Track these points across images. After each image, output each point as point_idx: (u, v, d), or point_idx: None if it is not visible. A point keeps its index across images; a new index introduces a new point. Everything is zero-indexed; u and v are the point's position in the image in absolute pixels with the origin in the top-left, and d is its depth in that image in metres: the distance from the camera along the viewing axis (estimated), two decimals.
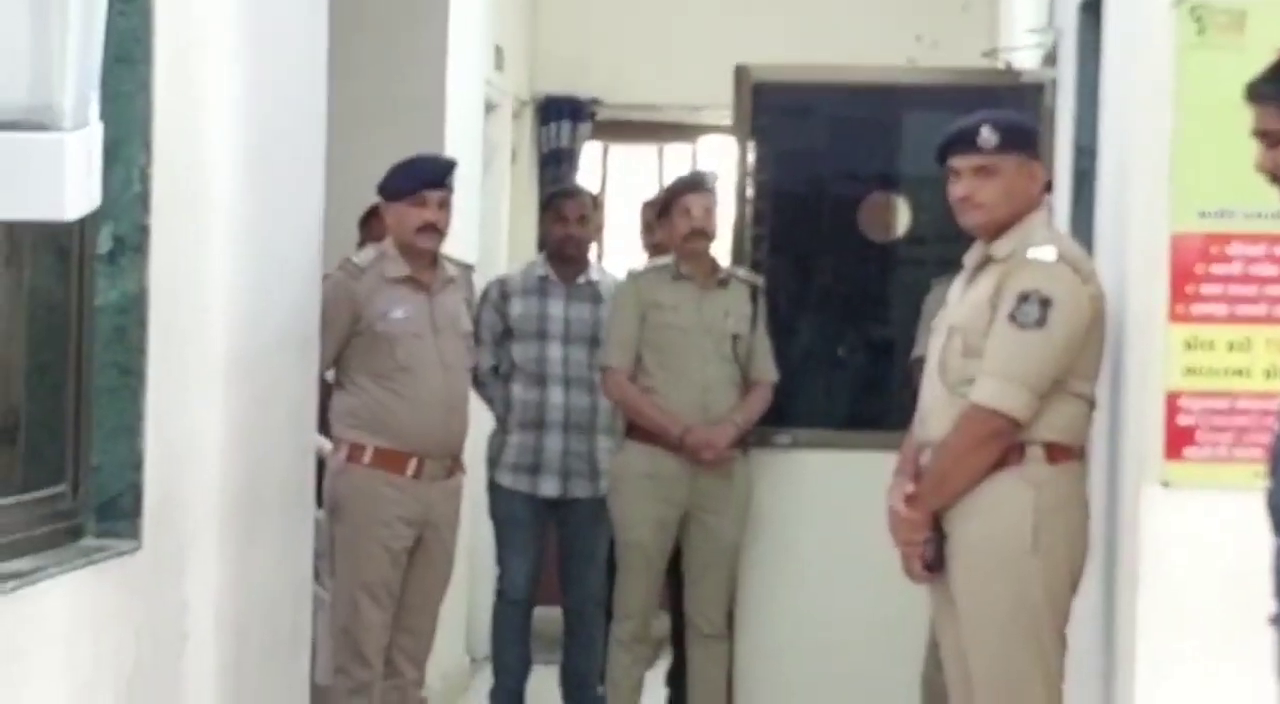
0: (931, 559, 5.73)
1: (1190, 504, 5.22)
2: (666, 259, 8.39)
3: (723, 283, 8.29)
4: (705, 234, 8.27)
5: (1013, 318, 5.63)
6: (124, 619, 5.18)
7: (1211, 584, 5.05)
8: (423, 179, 7.46)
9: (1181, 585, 5.19)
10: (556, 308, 8.62)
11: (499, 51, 11.22)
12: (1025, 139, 5.89)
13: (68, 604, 4.80)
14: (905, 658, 8.15)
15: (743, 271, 8.53)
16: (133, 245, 5.34)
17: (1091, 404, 5.74)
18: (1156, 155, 5.30)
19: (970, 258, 5.91)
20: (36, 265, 5.02)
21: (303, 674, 7.08)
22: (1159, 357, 5.28)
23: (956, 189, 5.83)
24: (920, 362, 8.00)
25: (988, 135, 5.77)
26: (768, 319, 8.42)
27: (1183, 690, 5.17)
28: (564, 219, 8.78)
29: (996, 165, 5.77)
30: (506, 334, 8.62)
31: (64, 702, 4.75)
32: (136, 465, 5.32)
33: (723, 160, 10.66)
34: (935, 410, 5.78)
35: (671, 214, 8.35)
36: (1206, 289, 5.25)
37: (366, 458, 7.35)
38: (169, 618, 5.58)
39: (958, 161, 5.81)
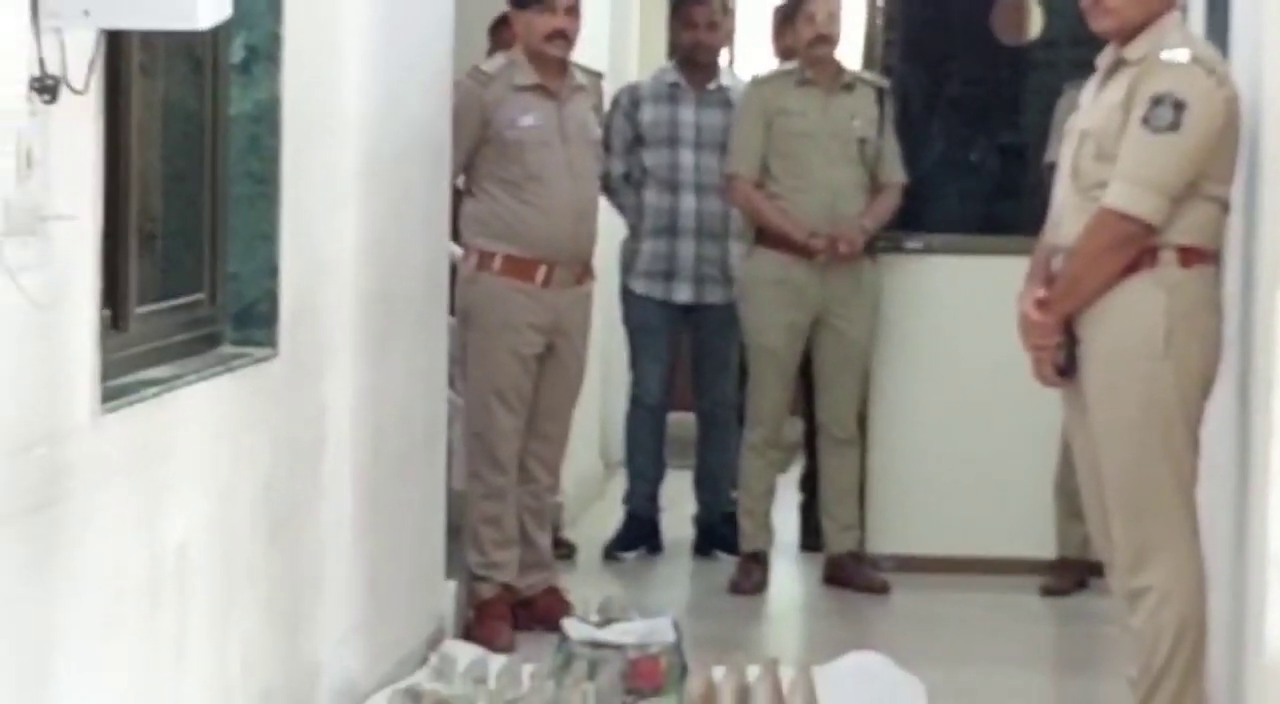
0: (1063, 364, 5.73)
1: None
2: (791, 64, 8.38)
3: (848, 87, 8.28)
4: (829, 39, 8.27)
5: (1146, 121, 5.60)
6: (262, 425, 5.26)
7: None
8: None
9: None
10: (687, 114, 8.62)
11: None
12: None
13: (207, 410, 4.88)
14: (1038, 463, 8.19)
15: (869, 74, 8.53)
16: (265, 54, 5.37)
17: (1226, 207, 5.71)
18: None
19: (1103, 60, 5.86)
20: (171, 76, 5.06)
21: (439, 478, 7.17)
22: None
23: None
24: (1052, 166, 7.97)
25: None
26: (898, 123, 8.41)
27: None
28: (694, 25, 8.75)
29: None
30: (637, 141, 8.62)
31: (204, 505, 4.84)
32: (272, 273, 5.38)
33: None
34: (1067, 215, 5.77)
35: (796, 20, 8.37)
36: None
37: (496, 265, 7.39)
38: (306, 423, 5.66)
39: None
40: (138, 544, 4.44)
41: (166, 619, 4.61)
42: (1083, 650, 7.41)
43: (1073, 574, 8.23)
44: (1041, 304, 5.75)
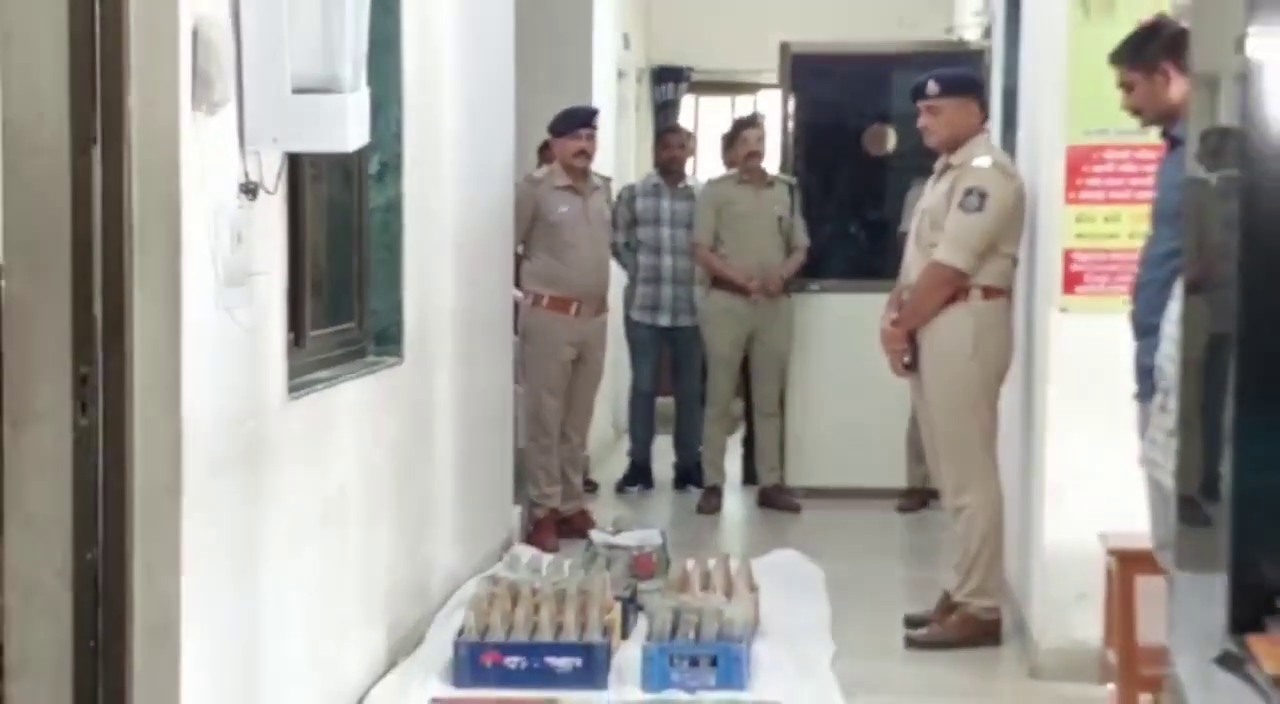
0: (909, 362, 5.74)
1: (1081, 323, 5.19)
2: (734, 171, 8.38)
3: (770, 184, 8.27)
4: (758, 155, 8.27)
5: (961, 205, 5.61)
6: (393, 408, 5.25)
7: (1096, 376, 5.03)
8: (577, 121, 7.45)
9: (1075, 377, 5.18)
10: (666, 204, 8.59)
11: (626, 37, 11.13)
12: (961, 86, 5.82)
13: (357, 398, 4.88)
14: (894, 425, 8.18)
15: (784, 175, 8.54)
16: (392, 167, 5.37)
17: (1015, 261, 5.71)
18: (1057, 95, 5.24)
19: (937, 165, 5.87)
20: (331, 181, 5.07)
21: (508, 440, 7.16)
22: (1058, 226, 5.25)
23: (920, 121, 5.80)
24: (904, 234, 7.98)
25: (933, 86, 5.75)
26: (803, 207, 8.41)
27: (1078, 446, 5.17)
28: (669, 146, 8.73)
29: (941, 106, 5.73)
30: (634, 222, 8.60)
31: (355, 460, 4.84)
32: (398, 308, 5.38)
33: (772, 105, 10.57)
34: (913, 265, 5.77)
35: (736, 142, 8.36)
36: (1090, 181, 5.20)
37: (545, 303, 7.38)
38: (422, 407, 5.66)
39: (919, 103, 5.78)
40: (313, 485, 4.43)
41: (332, 535, 4.61)
42: (925, 547, 7.41)
43: (918, 498, 8.22)
44: (894, 323, 5.76)
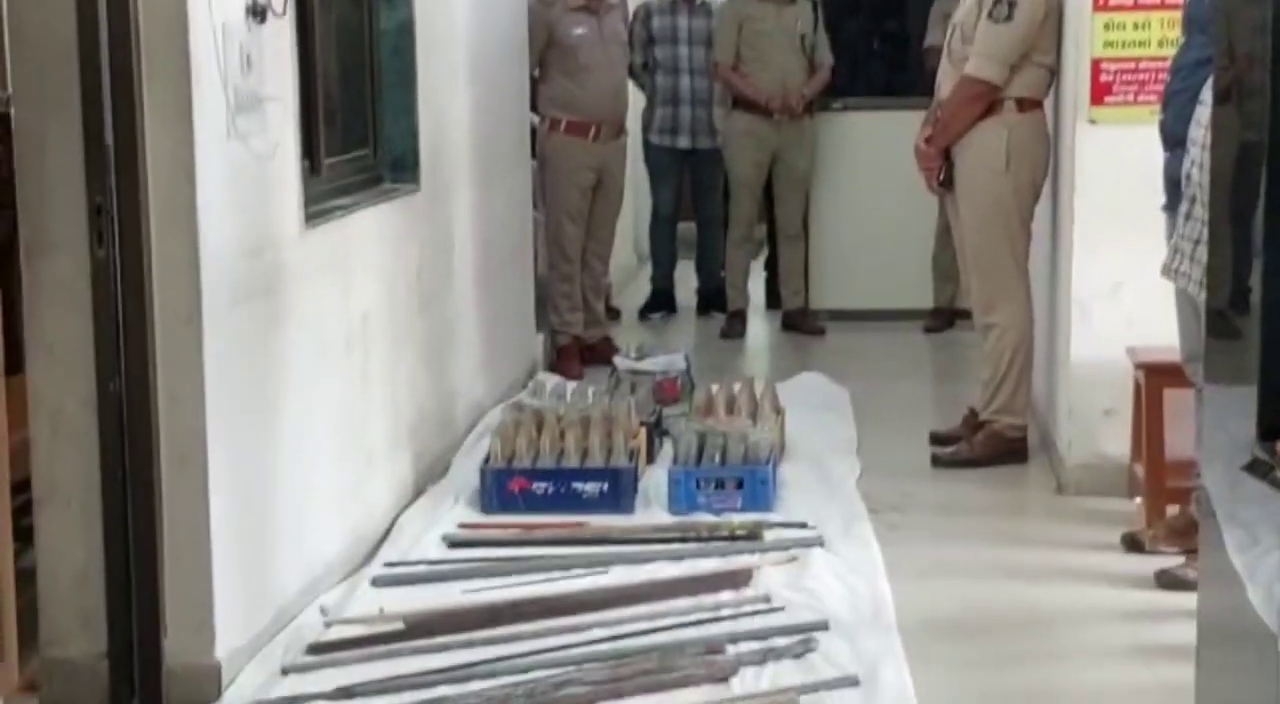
0: (943, 179, 5.71)
1: (1109, 135, 5.15)
2: None
3: (793, 1, 8.13)
4: None
5: (990, 15, 5.53)
6: (412, 235, 5.26)
7: (1124, 188, 5.00)
8: None
9: (1103, 190, 5.15)
10: (683, 22, 8.48)
11: None
12: None
13: (375, 226, 4.88)
14: (921, 245, 8.16)
15: None
16: None
17: (1052, 71, 5.64)
18: None
19: None
20: (341, 5, 5.01)
21: (529, 267, 7.18)
22: (1088, 35, 5.18)
23: None
24: (929, 49, 7.88)
25: None
26: (826, 24, 8.29)
27: (1106, 260, 5.16)
28: None
29: None
30: (650, 41, 8.51)
31: (376, 287, 4.86)
32: (414, 134, 5.35)
33: None
34: (945, 81, 5.72)
35: None
36: None
37: (562, 127, 7.32)
38: (440, 233, 5.66)
39: None
40: (334, 313, 4.46)
41: (355, 362, 4.64)
42: (952, 367, 7.43)
43: (944, 318, 8.23)
44: (928, 140, 5.73)
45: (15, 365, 3.54)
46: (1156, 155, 4.34)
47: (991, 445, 5.64)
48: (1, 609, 2.68)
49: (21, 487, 3.57)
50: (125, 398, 3.52)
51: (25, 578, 3.57)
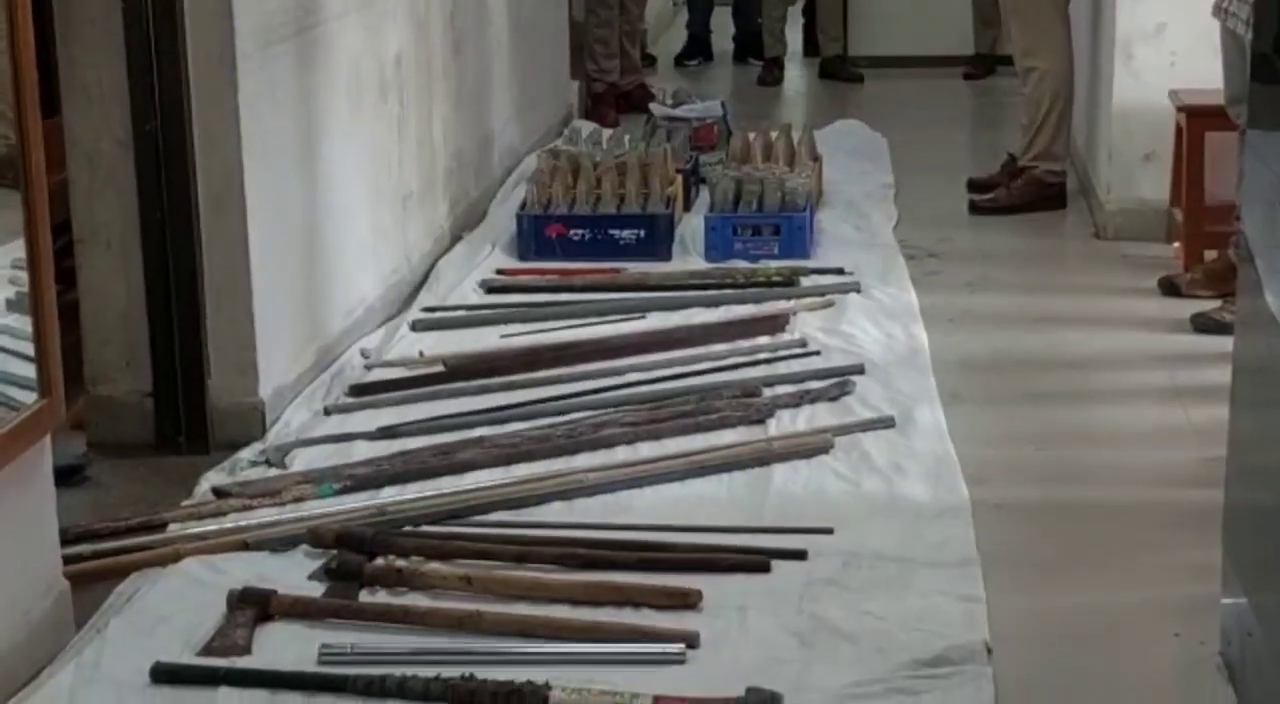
0: None
1: None
2: None
3: None
4: None
5: None
6: None
7: None
8: None
9: None
10: None
11: None
12: None
13: None
14: None
15: None
16: None
17: None
18: None
19: None
20: None
21: (564, 15, 7.04)
22: None
23: None
24: None
25: None
26: None
27: None
28: None
29: None
30: None
31: (408, 30, 4.78)
32: None
33: None
34: None
35: None
36: None
37: None
38: None
39: None
40: (368, 56, 4.41)
41: (391, 105, 4.60)
42: (992, 114, 7.36)
43: (985, 64, 8.11)
44: None
45: (52, 108, 3.52)
46: None
47: (1030, 191, 5.59)
48: (48, 346, 2.70)
49: (61, 229, 3.57)
50: (161, 139, 3.50)
51: (69, 318, 3.59)
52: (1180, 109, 4.85)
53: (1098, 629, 2.82)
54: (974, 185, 5.80)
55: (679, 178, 5.40)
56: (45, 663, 2.69)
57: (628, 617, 2.82)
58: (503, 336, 4.35)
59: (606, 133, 5.85)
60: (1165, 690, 2.69)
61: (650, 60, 8.48)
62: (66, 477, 3.21)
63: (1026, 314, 4.56)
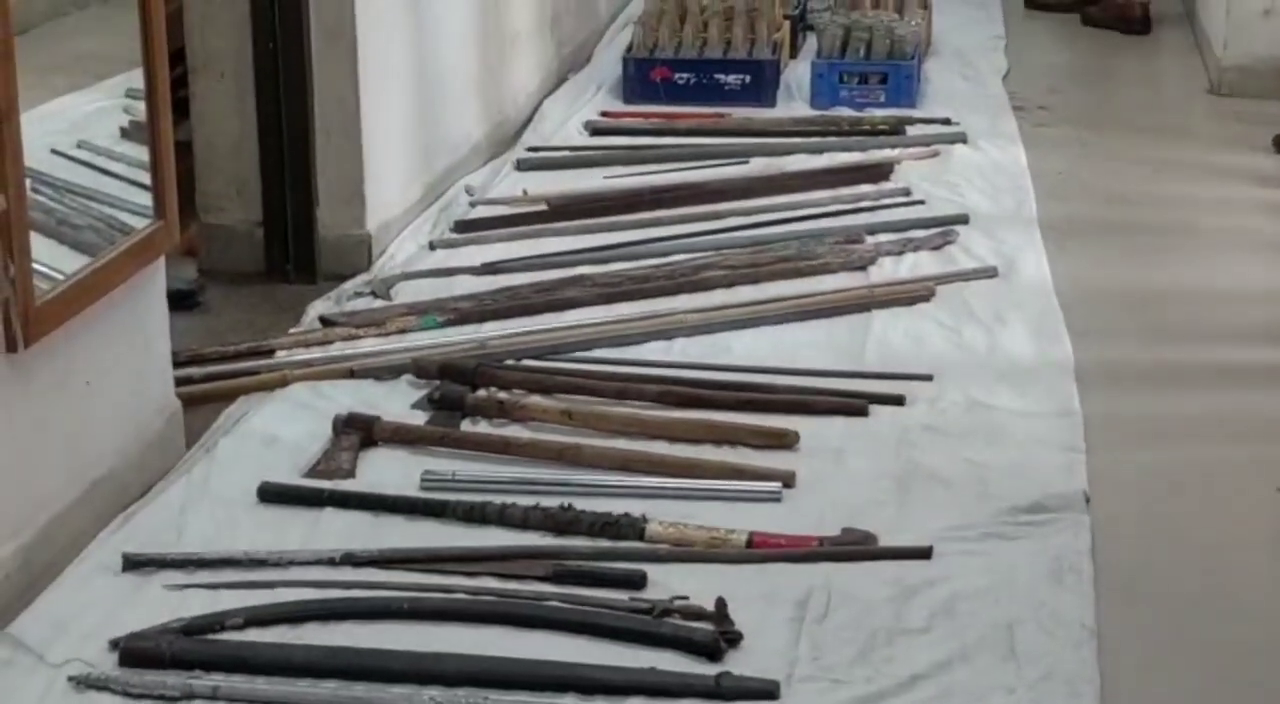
0: None
1: None
2: None
3: None
4: None
5: None
6: None
7: None
8: None
9: None
10: None
11: None
12: None
13: None
14: None
15: None
16: None
17: None
18: None
19: None
20: None
21: None
22: None
23: None
24: None
25: None
26: None
27: None
28: None
29: None
30: None
31: None
32: None
33: None
34: None
35: None
36: None
37: None
38: None
39: None
40: None
41: None
42: None
43: None
44: None
45: None
46: None
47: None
48: (163, 170, 2.72)
49: (176, 60, 3.57)
50: None
51: (181, 148, 3.60)
52: None
53: (1196, 482, 2.80)
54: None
55: (786, 23, 5.31)
56: (156, 479, 2.75)
57: (725, 455, 2.83)
58: (605, 177, 4.33)
59: None
60: (1263, 543, 2.67)
61: None
62: (179, 302, 3.25)
63: (1136, 167, 4.47)
